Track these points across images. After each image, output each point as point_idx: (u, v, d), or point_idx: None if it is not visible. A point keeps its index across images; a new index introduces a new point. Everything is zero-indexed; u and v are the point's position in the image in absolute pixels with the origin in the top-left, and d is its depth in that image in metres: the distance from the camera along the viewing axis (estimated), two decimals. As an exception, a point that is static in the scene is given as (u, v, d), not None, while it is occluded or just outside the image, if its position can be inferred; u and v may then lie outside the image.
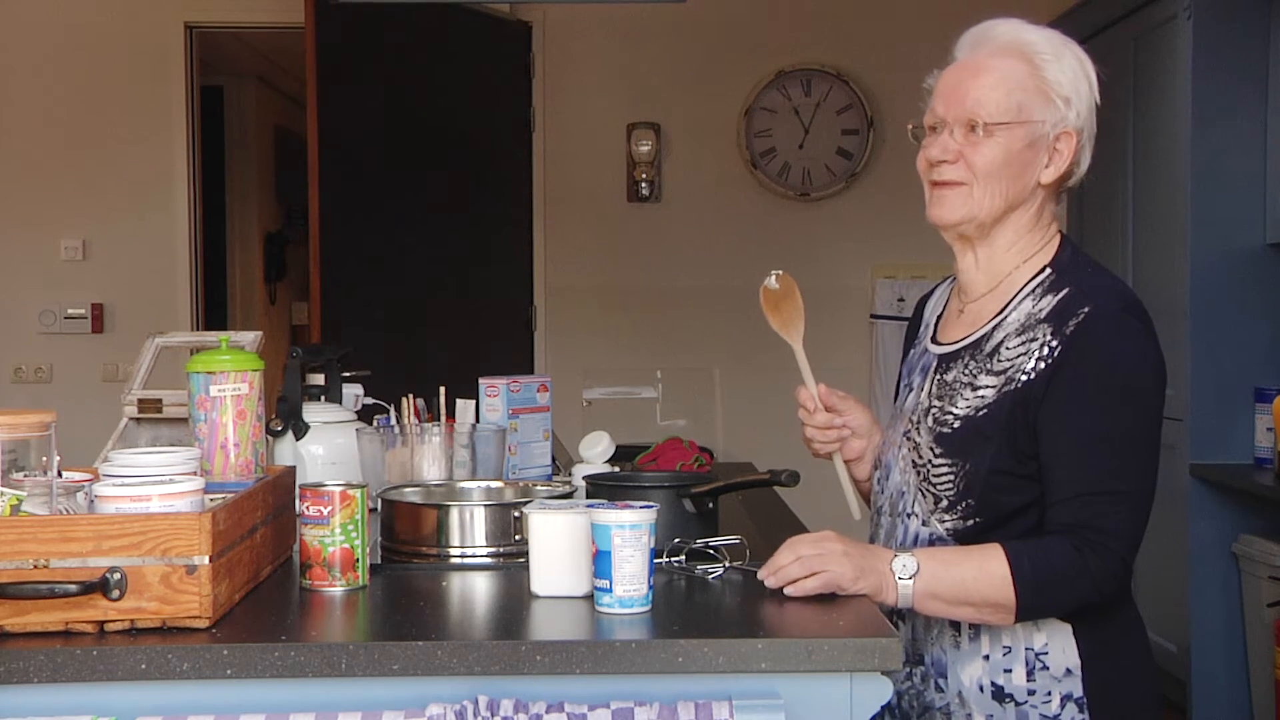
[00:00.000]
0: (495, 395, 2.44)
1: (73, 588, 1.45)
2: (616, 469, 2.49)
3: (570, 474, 2.48)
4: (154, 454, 1.72)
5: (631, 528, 1.57)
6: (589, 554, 1.61)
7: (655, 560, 1.60)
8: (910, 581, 1.65)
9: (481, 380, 2.45)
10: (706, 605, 1.66)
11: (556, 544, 1.65)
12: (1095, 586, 1.65)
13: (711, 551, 1.82)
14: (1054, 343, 1.68)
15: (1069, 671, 1.69)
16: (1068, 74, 1.75)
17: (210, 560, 1.48)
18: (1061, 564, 1.64)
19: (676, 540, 1.83)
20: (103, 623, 1.47)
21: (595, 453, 2.43)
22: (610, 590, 1.56)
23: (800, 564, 1.63)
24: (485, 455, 2.25)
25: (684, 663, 1.44)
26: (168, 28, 5.28)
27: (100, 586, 1.46)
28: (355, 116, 4.64)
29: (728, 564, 1.79)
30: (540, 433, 2.50)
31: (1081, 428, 1.66)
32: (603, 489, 2.01)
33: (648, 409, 5.37)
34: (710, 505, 1.97)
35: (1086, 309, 1.68)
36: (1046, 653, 1.70)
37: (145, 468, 1.66)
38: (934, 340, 1.88)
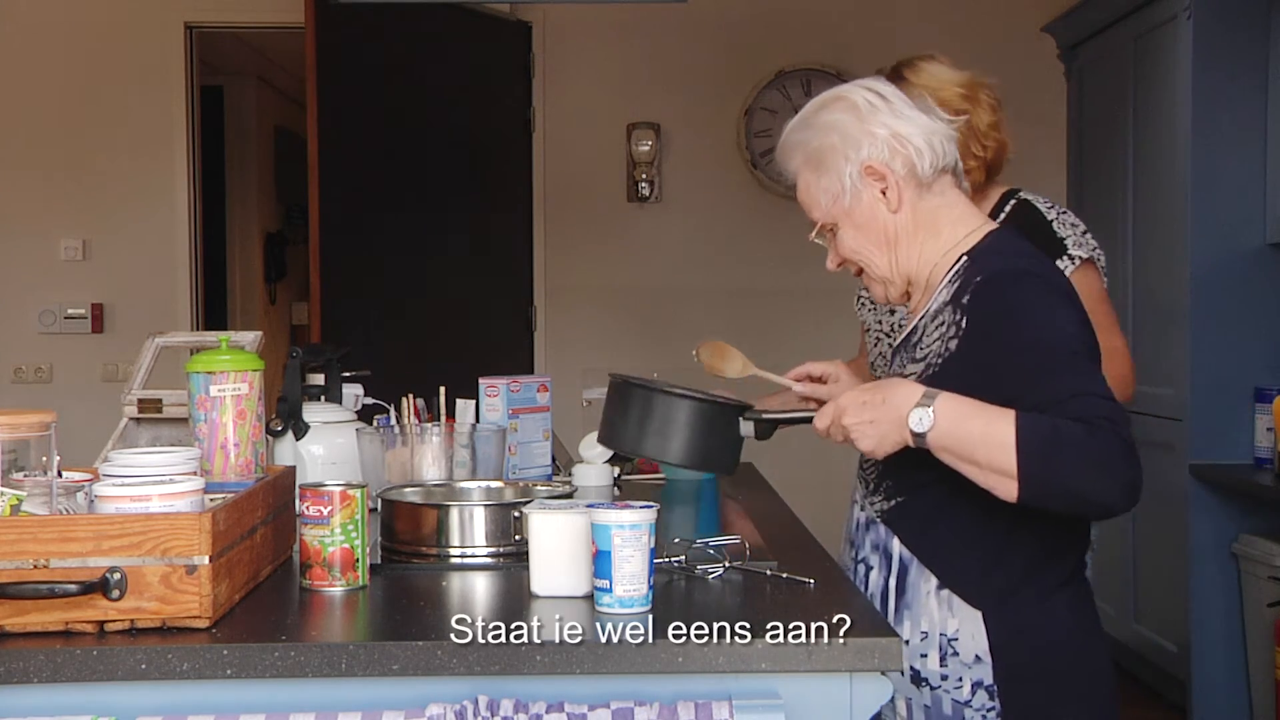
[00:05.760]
0: (495, 395, 2.44)
1: (73, 588, 1.45)
2: (616, 469, 2.49)
3: (570, 474, 2.48)
4: (154, 454, 1.72)
5: (631, 528, 1.56)
6: (589, 554, 1.60)
7: (655, 560, 1.60)
8: (924, 435, 1.63)
9: (481, 380, 2.45)
10: (706, 605, 1.66)
11: (556, 544, 1.65)
12: (1107, 466, 1.55)
13: (711, 551, 1.82)
14: (956, 317, 1.71)
15: (978, 658, 1.71)
16: (824, 131, 1.79)
17: (210, 560, 1.48)
18: (1071, 437, 1.55)
19: (677, 540, 1.83)
20: (103, 623, 1.47)
21: (595, 453, 2.44)
22: (610, 590, 1.56)
23: (831, 437, 1.74)
24: (485, 455, 2.25)
25: (684, 663, 1.44)
26: (168, 28, 5.27)
27: (100, 586, 1.46)
28: (355, 116, 4.64)
29: (728, 564, 1.79)
30: (540, 433, 2.50)
31: (1026, 361, 1.62)
32: (635, 389, 1.88)
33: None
34: (769, 432, 1.91)
35: (978, 278, 1.70)
36: (957, 639, 1.72)
37: (145, 468, 1.66)
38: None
